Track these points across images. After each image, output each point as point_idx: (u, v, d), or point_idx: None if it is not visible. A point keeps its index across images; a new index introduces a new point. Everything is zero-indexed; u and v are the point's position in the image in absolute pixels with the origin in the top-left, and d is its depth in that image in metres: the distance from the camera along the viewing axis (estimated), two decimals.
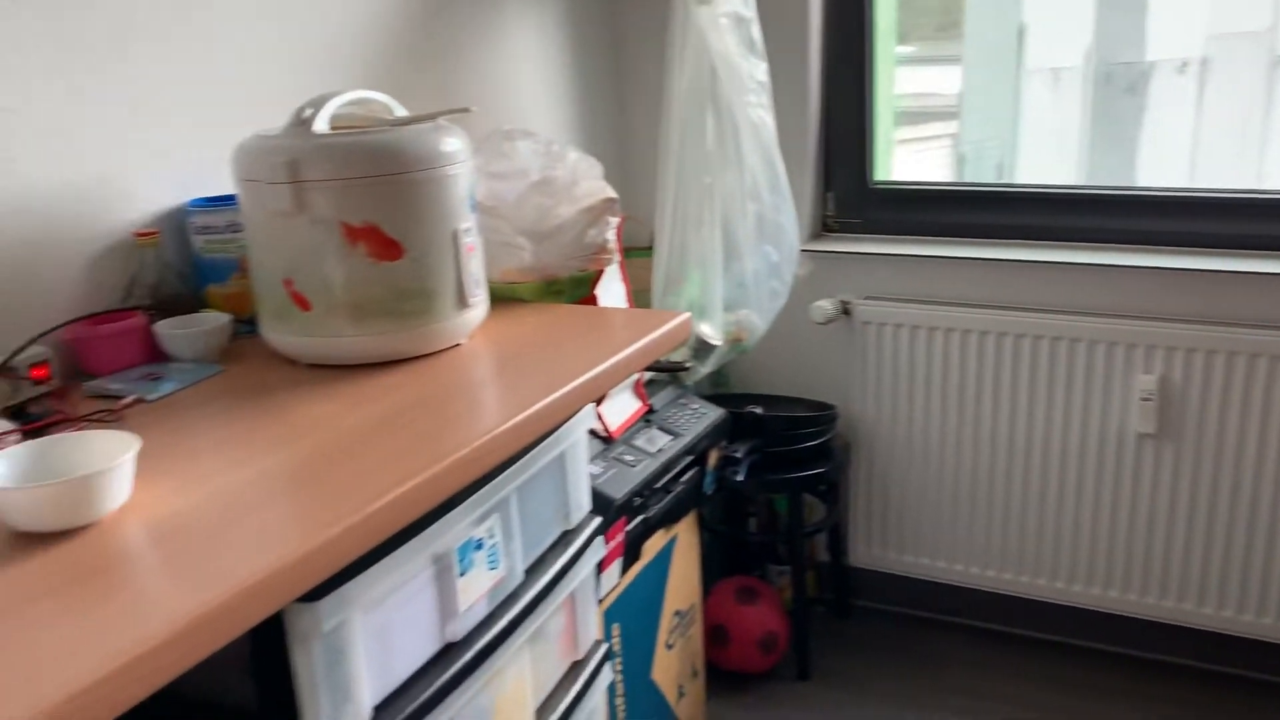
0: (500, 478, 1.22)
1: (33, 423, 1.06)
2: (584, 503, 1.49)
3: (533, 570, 1.35)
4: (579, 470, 1.46)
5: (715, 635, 2.22)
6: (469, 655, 1.19)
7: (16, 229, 1.23)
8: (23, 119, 1.22)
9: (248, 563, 0.81)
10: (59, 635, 0.73)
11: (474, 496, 1.17)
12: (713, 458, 2.00)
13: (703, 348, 2.00)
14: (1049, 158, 2.87)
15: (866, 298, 2.31)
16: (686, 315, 1.43)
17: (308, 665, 0.99)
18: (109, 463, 0.85)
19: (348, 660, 1.03)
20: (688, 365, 1.92)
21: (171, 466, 0.99)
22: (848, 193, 2.40)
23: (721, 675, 2.27)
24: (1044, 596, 2.31)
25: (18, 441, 0.97)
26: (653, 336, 1.36)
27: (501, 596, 1.28)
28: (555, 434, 1.34)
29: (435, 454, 1.01)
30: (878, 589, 2.53)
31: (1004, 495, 2.28)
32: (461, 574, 1.19)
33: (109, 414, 1.11)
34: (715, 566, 2.34)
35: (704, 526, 2.16)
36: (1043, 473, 2.23)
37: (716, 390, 2.44)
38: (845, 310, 2.32)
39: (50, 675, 0.68)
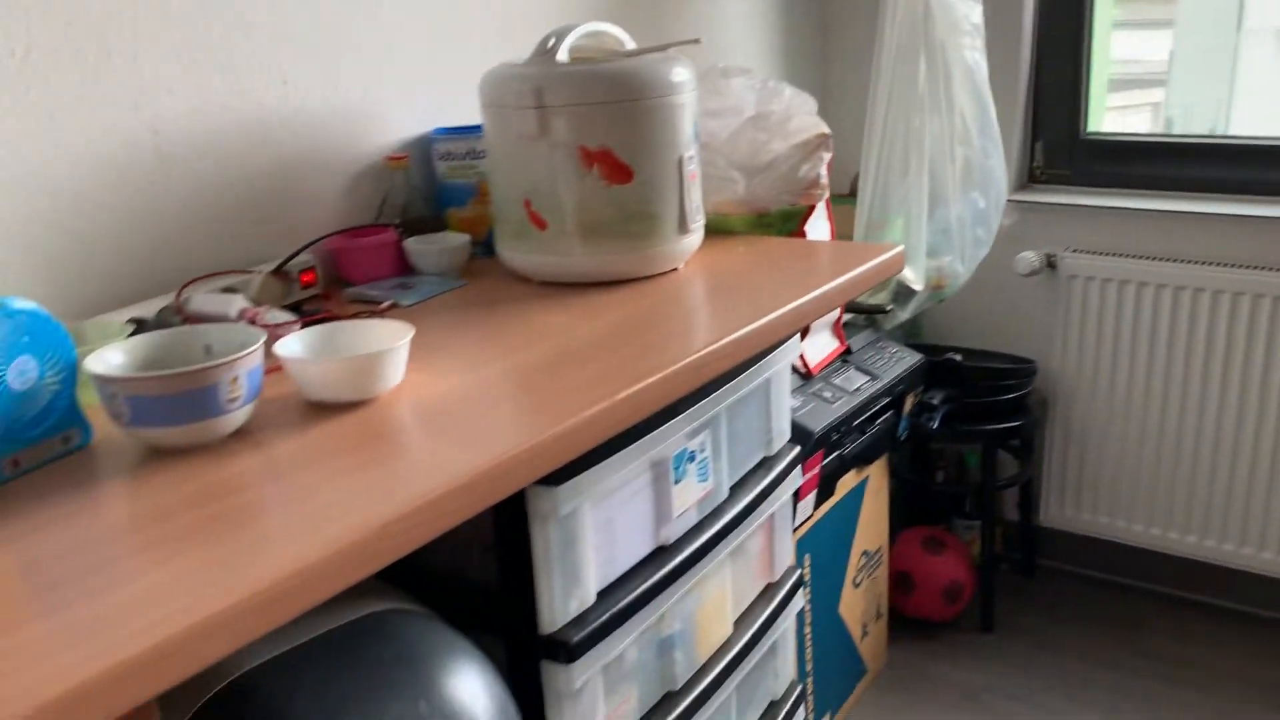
0: (712, 396, 1.28)
1: (307, 318, 1.18)
2: (785, 431, 1.54)
3: (736, 489, 1.42)
4: (782, 398, 1.51)
5: (900, 582, 2.24)
6: (679, 559, 1.27)
7: (292, 146, 1.36)
8: (295, 45, 1.35)
9: (502, 440, 0.90)
10: (349, 486, 0.83)
11: (689, 411, 1.24)
12: (908, 403, 2.01)
13: (903, 292, 2.01)
14: (1266, 121, 2.72)
15: (1073, 250, 2.26)
16: (899, 248, 1.45)
17: (545, 544, 1.08)
18: (391, 344, 0.95)
19: (579, 544, 1.11)
20: (888, 308, 1.94)
21: (432, 360, 1.10)
22: (1057, 143, 2.34)
23: (904, 621, 2.29)
24: (1244, 565, 2.22)
25: (299, 329, 1.09)
26: (865, 267, 1.39)
27: (709, 509, 1.35)
28: (763, 360, 1.40)
29: (660, 362, 1.08)
30: (1066, 550, 2.49)
31: (1210, 460, 2.20)
32: (676, 482, 1.27)
33: (370, 315, 1.23)
34: (901, 517, 2.35)
35: (893, 475, 2.18)
36: (1255, 438, 2.14)
37: (909, 340, 2.43)
38: (1050, 263, 2.27)
39: (345, 517, 0.78)
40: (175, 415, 0.85)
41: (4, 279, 1.11)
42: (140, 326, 1.08)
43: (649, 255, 1.34)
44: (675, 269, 1.40)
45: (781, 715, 1.61)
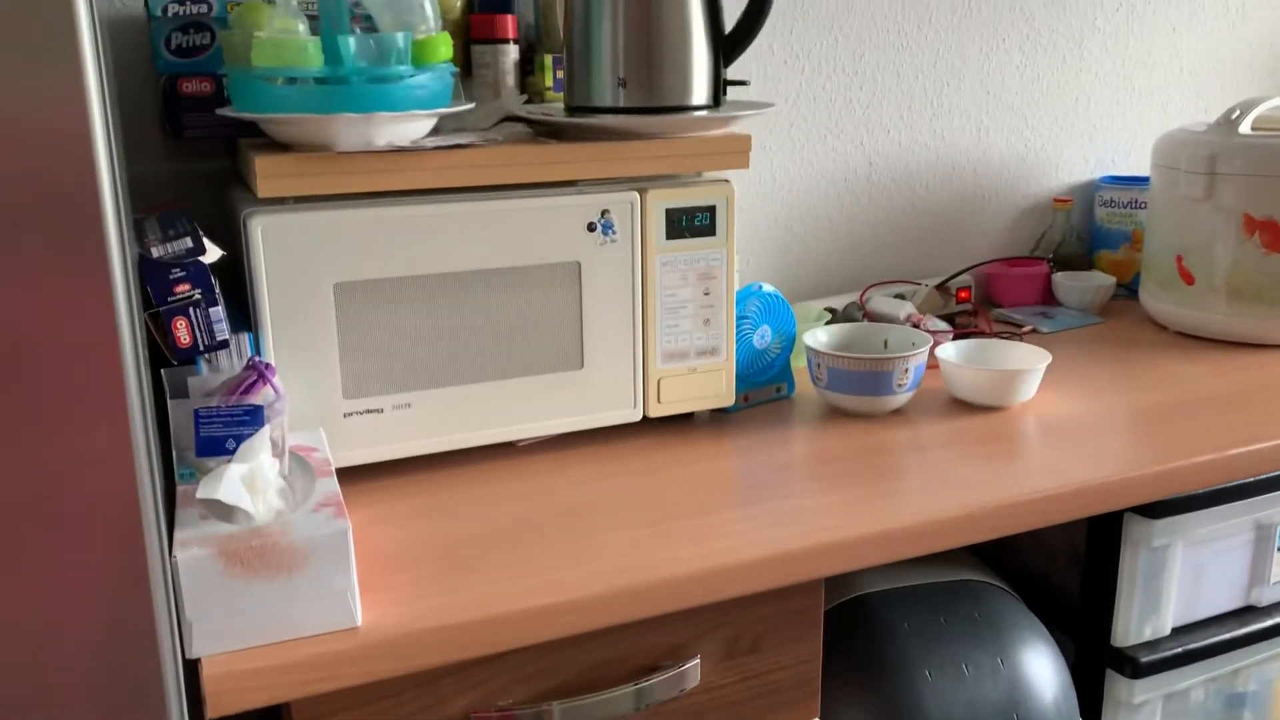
0: None
1: (959, 330, 1.42)
2: None
3: None
4: None
5: None
6: (1268, 623, 1.30)
7: (974, 183, 1.60)
8: (994, 98, 1.58)
9: (1107, 464, 1.05)
10: (972, 469, 1.04)
11: None
12: None
13: None
14: None
15: None
16: None
17: (1132, 569, 1.20)
18: (1031, 366, 1.15)
19: (1164, 578, 1.22)
20: None
21: (1061, 383, 1.27)
22: None
23: None
24: None
25: (951, 339, 1.32)
26: None
27: None
28: None
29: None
30: None
31: None
32: (1279, 549, 1.30)
33: (1012, 335, 1.43)
34: None
35: None
36: None
37: None
38: None
39: (964, 493, 0.99)
40: (857, 387, 1.13)
41: (751, 263, 1.49)
42: (834, 315, 1.40)
43: None
44: None
45: None
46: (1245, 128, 1.37)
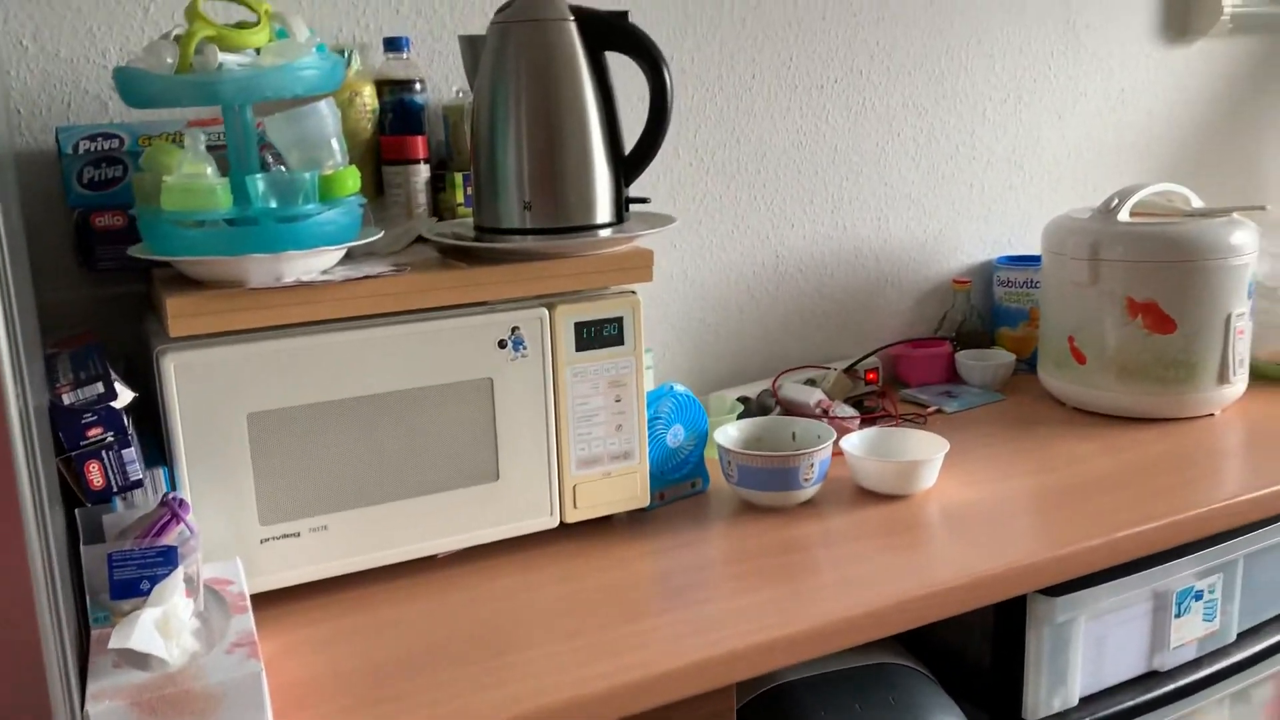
0: (1231, 542, 1.35)
1: (867, 414, 1.47)
2: None
3: (1248, 635, 1.45)
4: None
5: None
6: (1170, 687, 1.36)
7: (876, 269, 1.67)
8: (893, 188, 1.66)
9: (1008, 551, 1.10)
10: (881, 562, 1.09)
11: (1202, 552, 1.33)
12: None
13: None
14: None
15: None
16: None
17: (1038, 644, 1.25)
18: (929, 456, 1.20)
19: (1068, 651, 1.27)
20: None
21: (964, 465, 1.33)
22: None
23: None
24: None
25: (859, 426, 1.38)
26: None
27: (1211, 648, 1.41)
28: None
29: (1172, 505, 1.21)
30: None
31: None
32: (1177, 615, 1.36)
33: (918, 417, 1.48)
34: None
35: None
36: None
37: None
38: None
39: (875, 586, 1.03)
40: (766, 483, 1.17)
41: (667, 356, 1.53)
42: (747, 404, 1.44)
43: (1183, 400, 1.44)
44: (1211, 415, 1.48)
45: None
46: (1124, 215, 1.45)
